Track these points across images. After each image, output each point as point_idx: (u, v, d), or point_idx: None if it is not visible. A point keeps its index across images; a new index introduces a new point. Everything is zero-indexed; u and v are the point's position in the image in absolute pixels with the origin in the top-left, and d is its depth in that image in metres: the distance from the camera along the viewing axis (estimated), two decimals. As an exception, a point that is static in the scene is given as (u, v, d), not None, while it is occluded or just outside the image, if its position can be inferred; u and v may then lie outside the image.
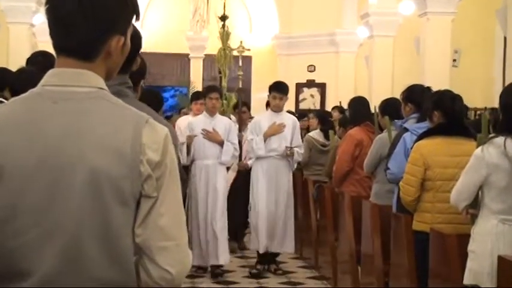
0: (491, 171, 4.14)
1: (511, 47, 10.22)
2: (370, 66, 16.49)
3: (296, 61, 19.95)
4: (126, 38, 1.93)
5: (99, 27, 1.85)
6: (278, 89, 8.45)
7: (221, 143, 8.23)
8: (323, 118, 9.94)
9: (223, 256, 8.07)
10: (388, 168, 5.69)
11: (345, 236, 6.97)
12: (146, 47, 19.89)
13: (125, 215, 1.81)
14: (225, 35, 13.34)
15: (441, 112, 5.12)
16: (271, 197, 8.35)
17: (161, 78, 20.67)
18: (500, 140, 4.11)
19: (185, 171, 7.94)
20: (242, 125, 9.89)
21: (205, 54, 21.03)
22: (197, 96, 9.79)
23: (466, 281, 4.20)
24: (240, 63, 13.08)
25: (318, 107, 18.47)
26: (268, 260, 8.43)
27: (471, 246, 4.25)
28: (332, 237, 7.69)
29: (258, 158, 8.44)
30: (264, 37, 20.99)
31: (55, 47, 1.90)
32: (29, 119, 1.83)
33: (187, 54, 21.20)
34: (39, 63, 4.77)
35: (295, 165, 8.69)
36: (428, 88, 6.05)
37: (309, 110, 12.90)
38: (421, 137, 5.18)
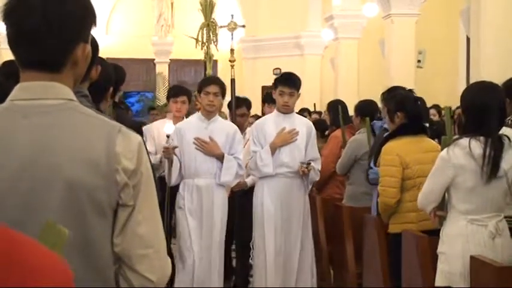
0: (458, 172, 4.16)
1: (474, 47, 10.30)
2: (336, 69, 16.57)
3: (262, 64, 19.98)
4: (89, 45, 1.93)
5: (66, 38, 1.84)
6: (287, 81, 6.33)
7: (220, 157, 6.10)
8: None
9: None
10: (371, 168, 5.74)
11: (317, 238, 6.98)
12: (111, 52, 19.86)
13: (103, 226, 1.82)
14: (208, 7, 10.71)
15: (404, 113, 5.22)
16: (282, 229, 6.26)
17: (126, 83, 20.56)
18: (464, 141, 4.14)
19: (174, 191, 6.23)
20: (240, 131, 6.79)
21: (171, 59, 20.99)
22: (176, 92, 7.06)
23: (439, 283, 4.21)
24: (232, 39, 10.63)
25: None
26: None
27: (441, 248, 4.26)
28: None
29: (263, 176, 6.33)
30: (229, 41, 20.97)
31: (19, 60, 1.87)
32: (0, 135, 1.81)
33: (153, 60, 21.12)
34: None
35: (310, 187, 6.54)
36: (410, 90, 6.11)
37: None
38: (386, 139, 5.26)
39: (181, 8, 20.37)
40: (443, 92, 15.69)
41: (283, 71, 19.65)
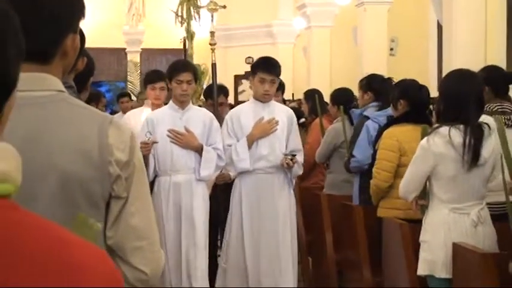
0: (438, 161, 4.17)
1: (446, 35, 10.34)
2: (308, 57, 16.58)
3: (234, 53, 19.91)
4: (78, 36, 1.90)
5: (56, 28, 1.81)
6: (268, 68, 5.70)
7: (198, 149, 5.47)
8: None
9: None
10: (353, 156, 5.74)
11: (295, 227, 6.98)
12: (82, 42, 19.65)
13: (96, 218, 1.79)
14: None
15: (407, 101, 5.22)
16: (260, 233, 5.59)
17: (98, 73, 20.36)
18: (444, 129, 4.15)
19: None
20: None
21: (142, 49, 20.87)
22: (154, 77, 6.41)
23: (421, 271, 4.23)
24: (212, 21, 9.62)
25: (257, 98, 18.50)
26: None
27: (423, 237, 4.28)
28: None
29: (241, 172, 5.70)
30: (200, 30, 20.90)
31: None
32: None
33: (124, 49, 20.98)
34: None
35: (294, 181, 5.95)
36: (389, 78, 6.18)
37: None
38: (388, 124, 5.26)
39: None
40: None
41: (255, 59, 19.86)
